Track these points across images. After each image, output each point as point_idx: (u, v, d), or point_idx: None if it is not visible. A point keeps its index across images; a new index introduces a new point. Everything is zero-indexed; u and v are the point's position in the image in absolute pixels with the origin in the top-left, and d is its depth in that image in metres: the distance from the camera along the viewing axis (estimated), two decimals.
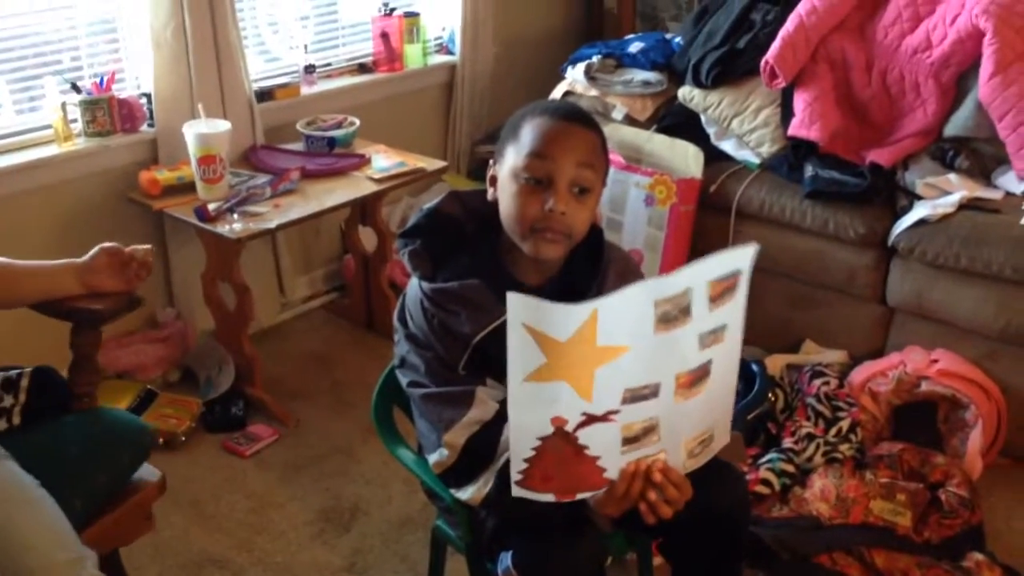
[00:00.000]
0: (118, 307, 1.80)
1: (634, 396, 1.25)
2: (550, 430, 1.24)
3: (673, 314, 1.21)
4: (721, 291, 1.23)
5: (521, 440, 1.26)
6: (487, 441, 1.46)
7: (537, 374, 1.20)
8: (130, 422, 1.85)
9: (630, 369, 1.23)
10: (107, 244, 1.78)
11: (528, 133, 1.47)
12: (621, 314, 1.19)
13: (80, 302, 1.77)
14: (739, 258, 1.24)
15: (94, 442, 1.72)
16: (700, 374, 1.29)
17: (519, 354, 1.19)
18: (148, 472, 1.81)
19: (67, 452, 1.68)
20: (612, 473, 1.32)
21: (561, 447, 1.26)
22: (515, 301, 1.16)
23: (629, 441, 1.29)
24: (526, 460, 1.27)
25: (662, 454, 1.33)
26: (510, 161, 1.49)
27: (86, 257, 1.78)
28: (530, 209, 1.45)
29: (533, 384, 1.21)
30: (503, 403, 1.49)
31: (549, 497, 1.31)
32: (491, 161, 1.56)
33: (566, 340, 1.17)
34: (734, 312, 1.27)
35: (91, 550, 1.49)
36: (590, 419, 1.24)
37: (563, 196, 1.45)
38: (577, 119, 1.50)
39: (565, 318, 1.17)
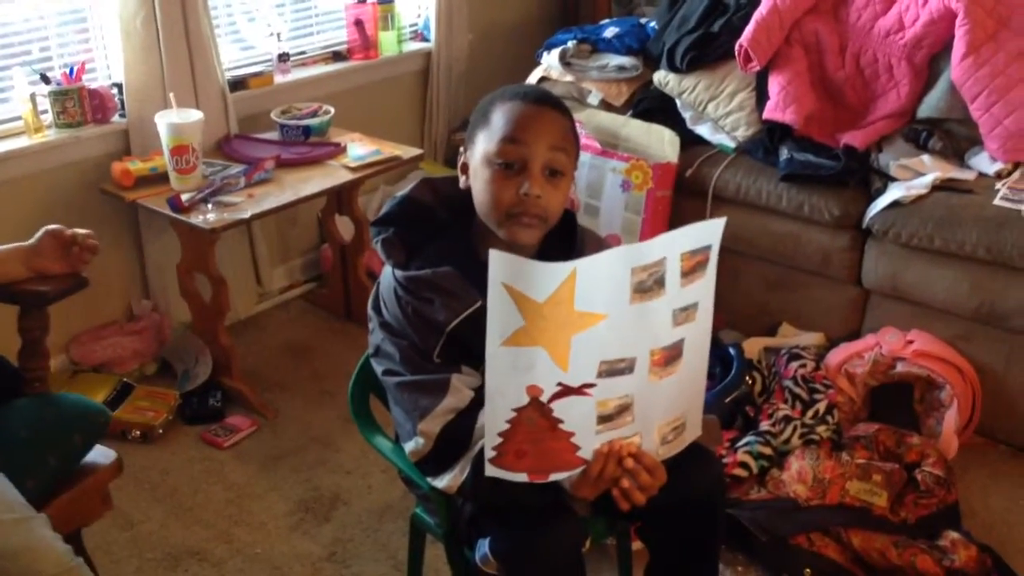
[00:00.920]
0: (64, 288, 1.79)
1: (610, 370, 1.26)
2: (525, 400, 1.25)
3: (648, 284, 1.22)
4: (693, 265, 1.25)
5: (497, 411, 1.26)
6: (462, 429, 1.46)
7: (515, 337, 1.21)
8: (82, 404, 1.85)
9: (606, 339, 1.24)
10: (51, 226, 1.78)
11: (499, 118, 1.47)
12: (599, 277, 1.20)
13: (27, 284, 1.78)
14: (710, 231, 1.26)
15: (44, 424, 1.72)
16: (674, 353, 1.30)
17: (498, 315, 1.20)
18: (103, 454, 1.81)
19: (17, 435, 1.68)
20: (586, 453, 1.32)
21: (535, 419, 1.26)
22: (497, 259, 1.17)
23: (604, 420, 1.30)
24: (501, 435, 1.27)
25: (636, 438, 1.34)
26: (481, 147, 1.48)
27: (32, 240, 1.77)
28: (505, 194, 1.45)
29: (511, 349, 1.21)
30: (478, 391, 1.49)
31: (522, 477, 1.32)
32: (461, 148, 1.56)
33: (544, 300, 1.18)
34: (704, 290, 1.28)
35: (42, 514, 1.50)
36: (566, 390, 1.25)
37: (537, 179, 1.45)
38: (547, 102, 1.50)
39: (545, 276, 1.18)
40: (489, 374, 1.24)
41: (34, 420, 1.73)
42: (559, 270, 1.18)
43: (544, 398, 1.25)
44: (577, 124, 1.56)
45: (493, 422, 1.27)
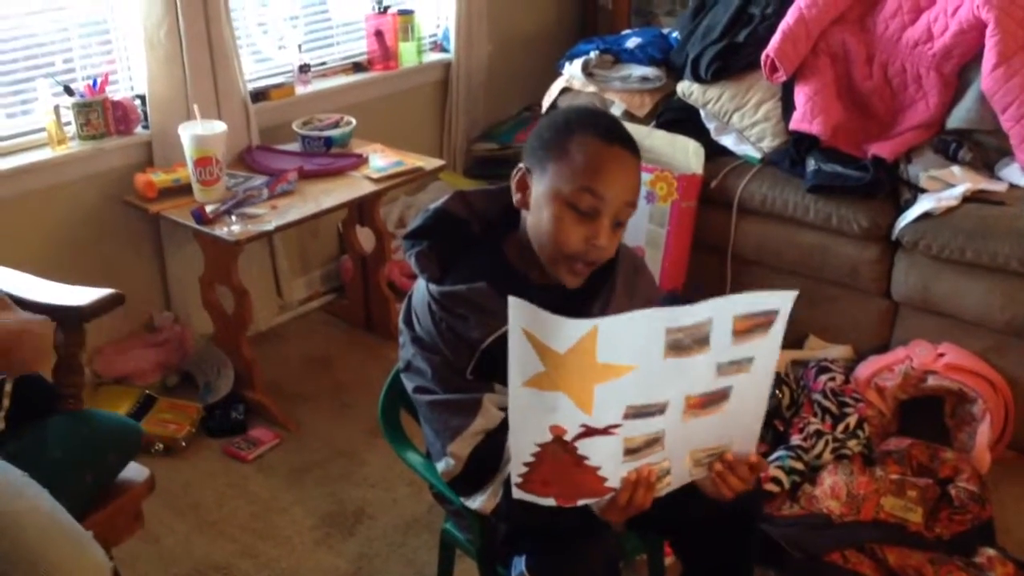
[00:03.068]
0: (101, 304, 1.77)
1: (638, 413, 1.22)
2: (549, 437, 1.21)
3: (686, 343, 1.17)
4: (750, 327, 1.20)
5: (520, 444, 1.23)
6: (492, 451, 1.44)
7: (536, 381, 1.18)
8: (117, 421, 1.83)
9: (633, 388, 1.19)
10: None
11: (580, 156, 1.40)
12: (625, 335, 1.16)
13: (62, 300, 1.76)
14: (778, 302, 1.20)
15: (80, 443, 1.70)
16: (715, 398, 1.25)
17: (519, 359, 1.17)
18: (136, 471, 1.79)
19: (52, 454, 1.66)
20: (614, 482, 1.29)
21: (560, 455, 1.23)
22: (516, 306, 1.13)
23: (631, 452, 1.26)
24: (525, 464, 1.24)
25: (665, 462, 1.30)
26: (553, 180, 1.42)
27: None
28: (572, 239, 1.41)
29: (532, 390, 1.18)
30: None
31: (550, 502, 1.29)
32: (521, 165, 1.49)
33: (564, 352, 1.15)
34: (765, 348, 1.23)
35: (89, 531, 1.49)
36: (590, 431, 1.22)
37: (606, 231, 1.41)
38: (630, 146, 1.43)
39: (563, 331, 1.14)
40: (512, 411, 1.21)
41: (69, 439, 1.71)
42: (579, 326, 1.14)
43: (568, 437, 1.22)
44: None
45: (518, 453, 1.24)
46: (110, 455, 1.72)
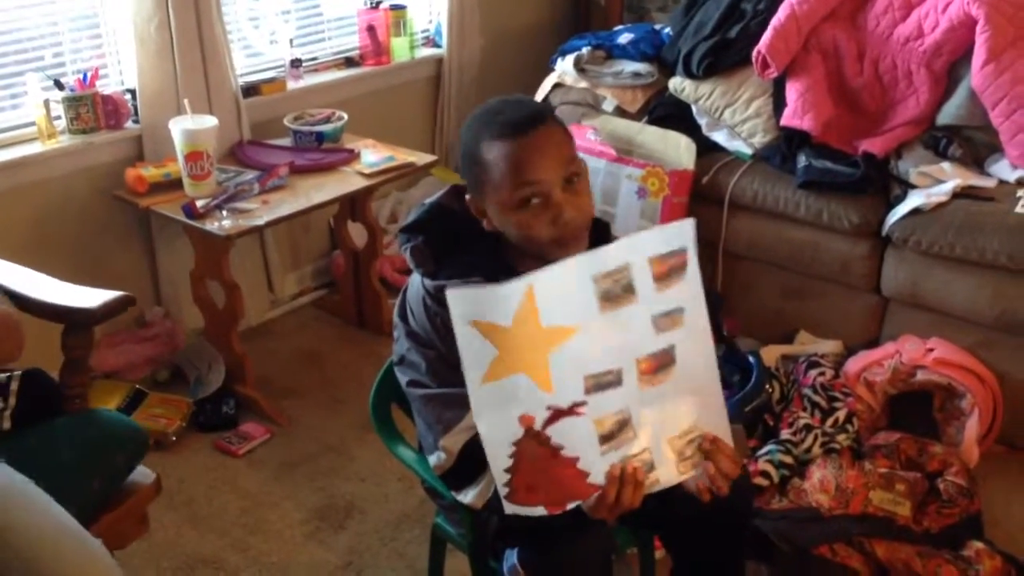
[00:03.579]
0: (112, 307, 1.76)
1: (597, 384, 1.23)
2: (520, 431, 1.22)
3: (616, 292, 1.20)
4: (667, 270, 1.22)
5: (496, 450, 1.24)
6: (477, 451, 1.44)
7: (492, 371, 1.18)
8: (124, 424, 1.82)
9: (585, 352, 1.21)
10: None
11: (497, 164, 1.41)
12: (559, 290, 1.18)
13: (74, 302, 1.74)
14: (679, 234, 1.22)
15: (88, 445, 1.69)
16: (663, 360, 1.26)
17: (471, 354, 1.18)
18: (142, 474, 1.78)
19: (60, 456, 1.65)
20: (596, 477, 1.29)
21: (535, 449, 1.24)
22: (453, 298, 1.15)
23: (606, 439, 1.27)
24: (507, 471, 1.25)
25: (645, 454, 1.30)
26: (494, 197, 1.43)
27: None
28: (543, 230, 1.42)
29: (491, 385, 1.19)
30: None
31: (540, 511, 1.29)
32: (467, 196, 1.50)
33: (511, 323, 1.16)
34: (688, 293, 1.24)
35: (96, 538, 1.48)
36: (557, 413, 1.22)
37: (564, 202, 1.41)
38: (531, 124, 1.41)
39: (502, 298, 1.16)
40: (478, 418, 1.22)
41: (77, 441, 1.70)
42: (516, 289, 1.16)
43: (538, 425, 1.22)
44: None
45: (496, 462, 1.25)
46: (118, 458, 1.72)
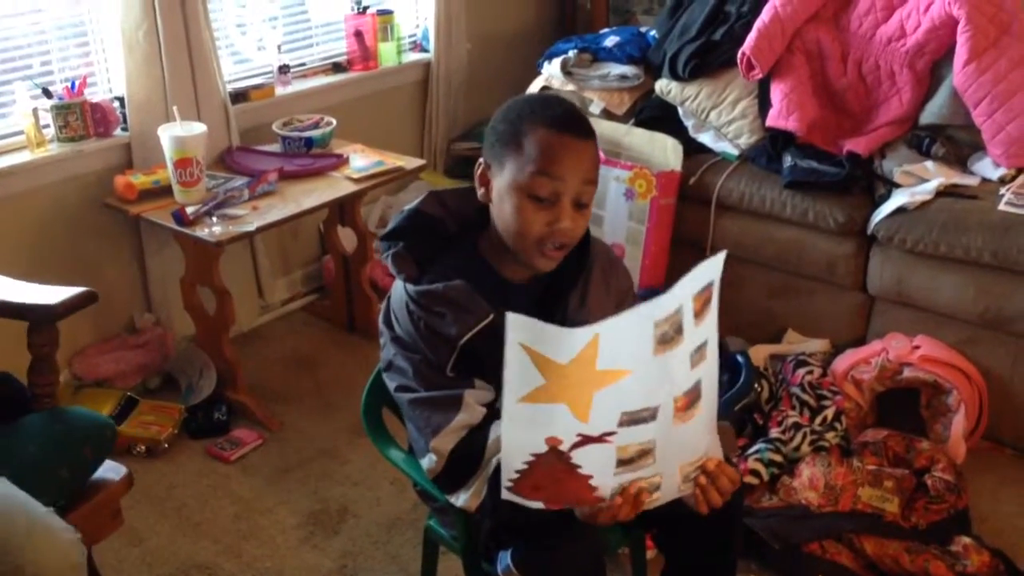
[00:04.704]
0: (74, 303, 1.78)
1: (632, 419, 1.23)
2: (544, 448, 1.23)
3: (670, 334, 1.18)
4: (701, 305, 1.21)
5: (513, 454, 1.24)
6: (475, 446, 1.45)
7: (534, 395, 1.18)
8: (90, 417, 1.83)
9: (629, 392, 1.20)
10: None
11: (532, 147, 1.43)
12: (622, 338, 1.17)
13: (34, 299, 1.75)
14: (712, 268, 1.22)
15: (54, 439, 1.70)
16: (694, 396, 1.27)
17: (517, 375, 1.17)
18: (113, 469, 1.79)
19: (26, 451, 1.66)
20: (604, 492, 1.30)
21: (554, 463, 1.24)
22: (514, 322, 1.14)
23: (623, 463, 1.27)
24: (517, 471, 1.26)
25: (656, 478, 1.31)
26: (511, 173, 1.45)
27: None
28: (535, 226, 1.44)
29: (529, 405, 1.19)
30: (490, 405, 1.48)
31: (538, 504, 1.30)
32: (482, 160, 1.52)
33: (567, 363, 1.15)
34: (711, 326, 1.25)
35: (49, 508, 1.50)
36: (585, 440, 1.23)
37: (568, 213, 1.44)
38: (581, 131, 1.46)
39: (566, 342, 1.15)
40: (505, 428, 1.22)
41: (43, 435, 1.71)
42: (581, 336, 1.15)
43: (564, 448, 1.23)
44: None
45: (509, 462, 1.25)
46: (85, 449, 1.72)
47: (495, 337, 1.43)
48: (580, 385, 1.18)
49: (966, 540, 2.14)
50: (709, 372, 1.28)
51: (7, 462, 1.59)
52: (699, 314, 1.21)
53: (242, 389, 2.77)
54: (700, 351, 1.24)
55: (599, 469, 1.27)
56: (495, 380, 1.47)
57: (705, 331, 1.24)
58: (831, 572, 2.10)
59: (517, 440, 1.23)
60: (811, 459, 2.32)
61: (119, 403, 2.69)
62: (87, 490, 1.74)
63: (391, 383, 1.55)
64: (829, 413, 2.46)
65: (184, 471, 2.55)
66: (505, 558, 1.47)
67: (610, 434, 1.23)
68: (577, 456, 1.24)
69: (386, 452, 1.73)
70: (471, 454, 1.46)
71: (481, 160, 1.52)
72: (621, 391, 1.20)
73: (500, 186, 1.48)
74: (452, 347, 1.47)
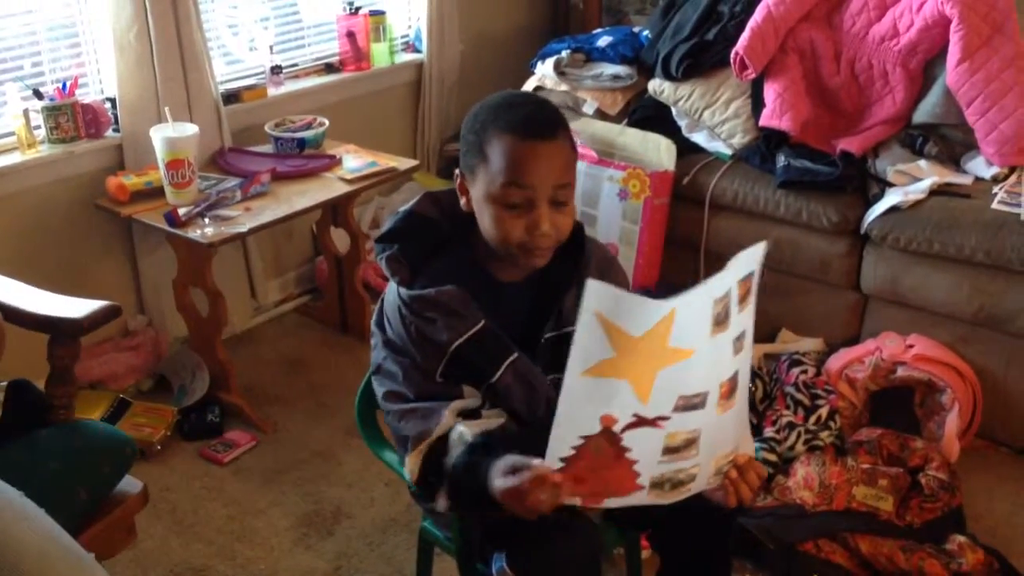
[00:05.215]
0: (99, 317, 1.76)
1: (686, 404, 1.22)
2: (598, 428, 1.21)
3: (722, 316, 1.18)
4: (744, 292, 1.21)
5: (564, 437, 1.22)
6: (434, 464, 1.44)
7: (599, 368, 1.16)
8: (111, 434, 1.82)
9: (688, 374, 1.20)
10: None
11: (497, 157, 1.41)
12: (692, 315, 1.15)
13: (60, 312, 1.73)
14: (752, 257, 1.20)
15: (74, 456, 1.68)
16: (734, 384, 1.26)
17: (585, 345, 1.15)
18: (129, 484, 1.78)
19: (47, 467, 1.64)
20: (644, 480, 1.29)
21: (603, 446, 1.23)
22: (594, 289, 1.11)
23: (669, 451, 1.26)
24: (563, 460, 1.24)
25: (695, 468, 1.31)
26: (483, 185, 1.44)
27: None
28: (514, 233, 1.43)
29: (591, 379, 1.17)
30: (471, 414, 1.47)
31: (576, 501, 1.29)
32: (458, 170, 1.51)
33: (641, 335, 1.14)
34: (750, 316, 1.24)
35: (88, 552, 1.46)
36: (640, 421, 1.21)
37: (545, 216, 1.42)
38: (546, 133, 1.42)
39: (644, 314, 1.13)
40: (563, 402, 1.20)
41: (63, 451, 1.69)
42: (659, 308, 1.13)
43: (617, 428, 1.21)
44: (572, 133, 1.52)
45: (558, 447, 1.23)
46: (105, 467, 1.71)
47: (486, 344, 1.43)
48: (647, 362, 1.17)
49: (960, 538, 2.14)
50: (745, 364, 1.27)
51: (27, 478, 1.54)
52: (742, 301, 1.20)
53: (235, 391, 2.76)
54: (740, 340, 1.24)
55: (646, 455, 1.26)
56: (483, 386, 1.48)
57: (745, 320, 1.23)
58: (826, 571, 2.10)
59: (571, 418, 1.21)
60: (806, 458, 2.32)
61: (112, 405, 2.68)
62: (105, 505, 1.72)
63: (379, 388, 1.55)
64: (823, 412, 2.46)
65: (177, 473, 2.54)
66: (500, 559, 1.47)
67: (663, 419, 1.22)
68: (628, 439, 1.22)
69: (380, 453, 1.73)
70: (432, 471, 1.45)
71: (458, 170, 1.51)
72: (683, 372, 1.19)
73: (476, 197, 1.47)
74: (442, 353, 1.47)
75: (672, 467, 1.28)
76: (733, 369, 1.25)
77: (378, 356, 1.55)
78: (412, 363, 1.49)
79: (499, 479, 1.30)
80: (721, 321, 1.18)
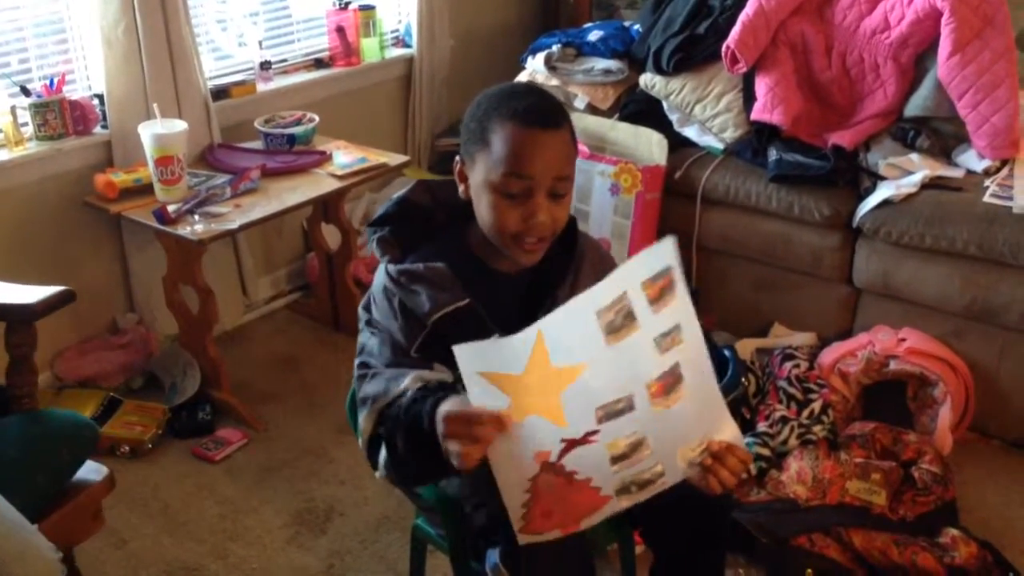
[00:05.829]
0: (52, 302, 1.76)
1: (608, 414, 1.23)
2: (536, 468, 1.23)
3: (618, 323, 1.19)
4: (659, 291, 1.21)
5: (513, 491, 1.25)
6: (391, 417, 1.41)
7: (507, 418, 1.20)
8: (71, 419, 1.82)
9: (594, 386, 1.21)
10: None
11: (500, 144, 1.40)
12: (566, 331, 1.18)
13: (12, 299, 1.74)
14: (663, 254, 1.21)
15: (32, 442, 1.69)
16: (671, 379, 1.26)
17: (483, 404, 1.18)
18: (94, 470, 1.77)
19: (4, 455, 1.64)
20: (608, 491, 1.30)
21: (552, 481, 1.25)
22: (462, 352, 1.16)
23: (617, 459, 1.27)
24: (523, 505, 1.26)
25: (658, 467, 1.31)
26: (483, 172, 1.43)
27: None
28: (510, 221, 1.42)
29: (506, 433, 1.20)
30: (438, 387, 1.42)
31: (556, 534, 1.30)
32: (458, 157, 1.51)
33: (522, 370, 1.17)
34: (682, 309, 1.24)
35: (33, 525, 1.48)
36: (571, 444, 1.23)
37: (543, 207, 1.42)
38: (549, 123, 1.42)
39: (514, 350, 1.17)
40: (495, 467, 1.22)
41: (21, 438, 1.69)
42: (525, 338, 1.17)
43: (553, 458, 1.23)
44: None
45: (513, 501, 1.25)
46: (63, 452, 1.71)
47: (467, 323, 1.42)
48: (544, 389, 1.19)
49: (954, 532, 2.15)
50: (690, 356, 1.26)
51: None
52: (657, 300, 1.21)
53: (226, 388, 2.75)
54: (671, 336, 1.23)
55: (596, 470, 1.27)
56: (456, 369, 1.46)
57: (672, 317, 1.23)
58: (819, 565, 2.10)
59: (509, 471, 1.23)
60: (799, 453, 2.32)
61: (102, 403, 2.66)
62: (67, 491, 1.72)
63: (356, 363, 1.52)
64: (816, 406, 2.46)
65: (168, 472, 2.53)
66: (493, 556, 1.46)
67: (593, 433, 1.23)
68: (569, 462, 1.24)
69: None
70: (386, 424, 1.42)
71: (458, 157, 1.51)
72: (585, 386, 1.21)
73: (475, 183, 1.46)
74: (422, 325, 1.44)
75: (631, 472, 1.29)
76: (665, 366, 1.24)
77: (362, 337, 1.54)
78: (389, 337, 1.47)
79: (447, 404, 1.26)
80: (618, 328, 1.19)
